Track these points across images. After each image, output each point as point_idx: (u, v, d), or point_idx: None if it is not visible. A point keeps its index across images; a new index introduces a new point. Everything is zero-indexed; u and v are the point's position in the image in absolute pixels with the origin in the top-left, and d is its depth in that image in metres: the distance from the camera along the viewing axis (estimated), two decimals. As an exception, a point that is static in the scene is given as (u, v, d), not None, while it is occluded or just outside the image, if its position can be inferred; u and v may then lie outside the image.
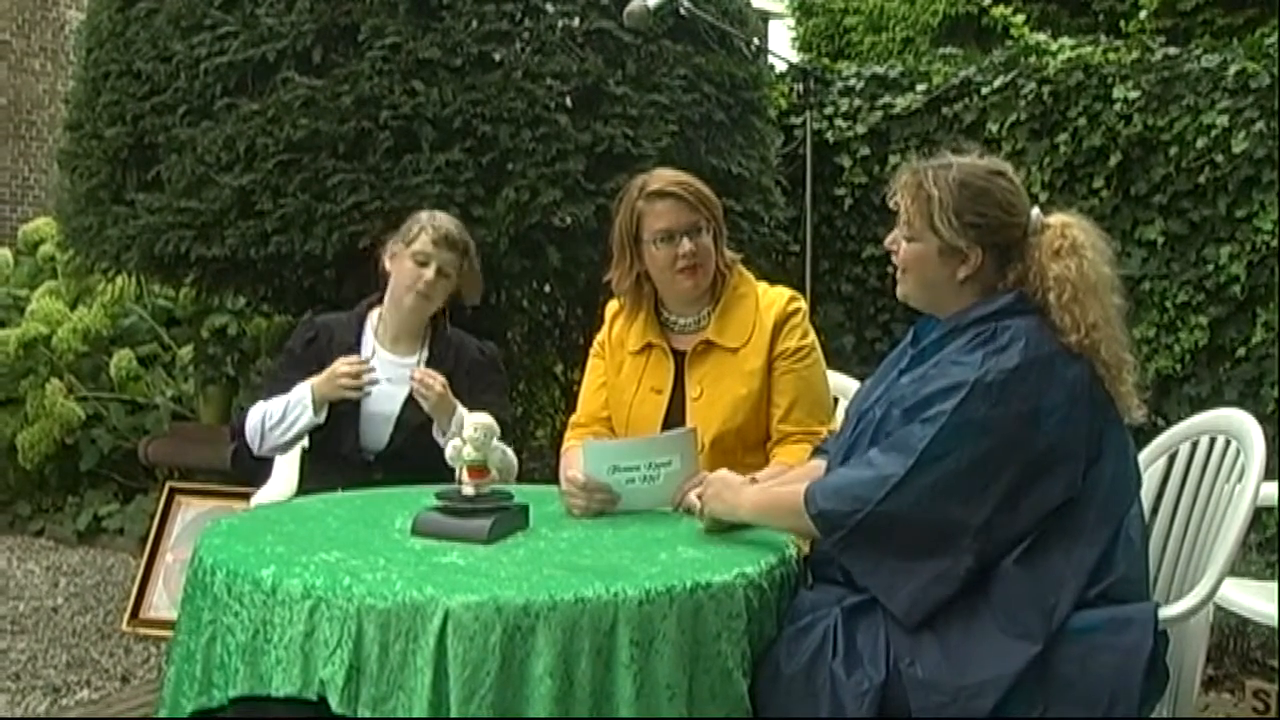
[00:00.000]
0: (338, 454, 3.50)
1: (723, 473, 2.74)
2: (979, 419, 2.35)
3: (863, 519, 2.38)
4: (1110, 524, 2.41)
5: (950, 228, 2.51)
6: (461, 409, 3.37)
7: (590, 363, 3.40)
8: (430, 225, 3.55)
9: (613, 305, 3.36)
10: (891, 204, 2.62)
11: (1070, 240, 2.47)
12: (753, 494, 2.65)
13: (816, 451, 2.93)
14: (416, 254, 3.52)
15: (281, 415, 3.48)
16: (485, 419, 2.67)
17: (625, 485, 2.86)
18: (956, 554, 2.34)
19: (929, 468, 2.35)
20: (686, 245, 3.10)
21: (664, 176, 3.19)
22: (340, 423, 3.51)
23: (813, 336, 3.21)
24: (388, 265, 3.60)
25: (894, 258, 2.63)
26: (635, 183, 3.21)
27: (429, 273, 3.52)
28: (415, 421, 3.50)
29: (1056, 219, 2.52)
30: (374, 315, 3.67)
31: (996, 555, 2.36)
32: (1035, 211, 2.55)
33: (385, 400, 3.52)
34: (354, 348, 3.58)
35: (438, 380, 3.41)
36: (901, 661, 2.33)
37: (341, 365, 3.43)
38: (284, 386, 3.54)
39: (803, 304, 3.23)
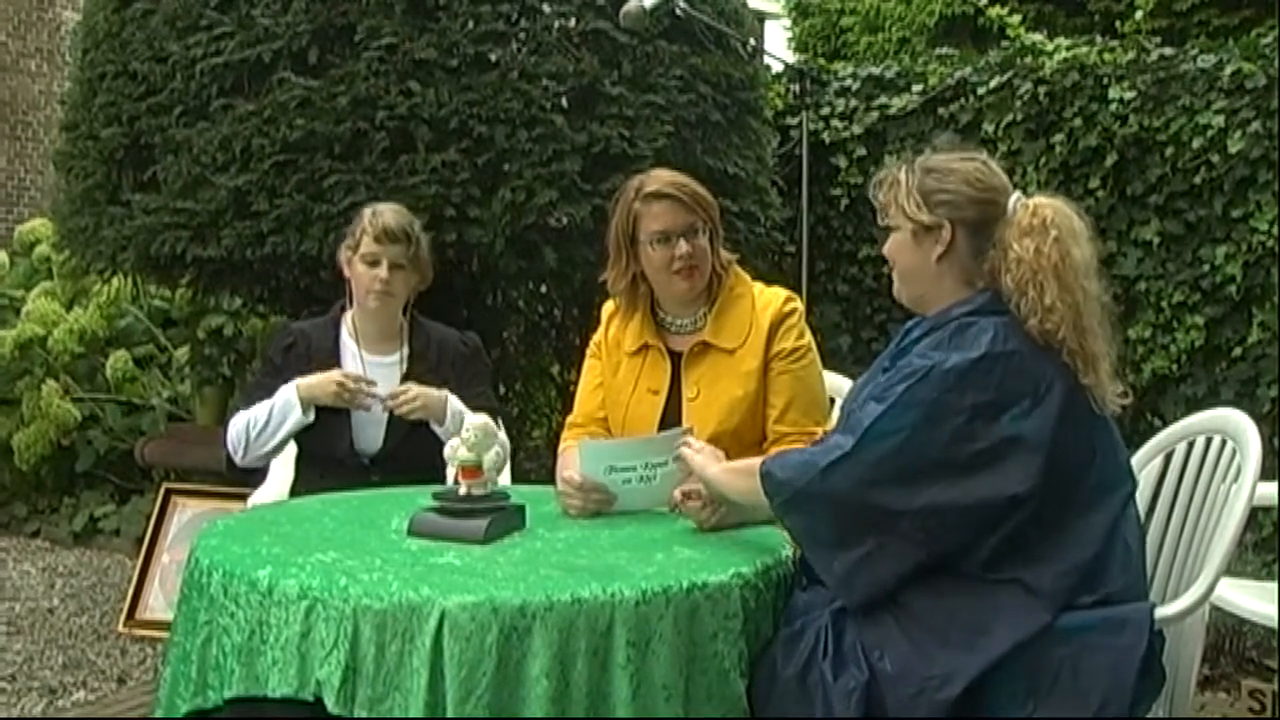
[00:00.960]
0: (332, 458, 3.49)
1: (718, 451, 2.79)
2: (930, 401, 2.35)
3: (804, 486, 2.40)
4: (1100, 526, 2.40)
5: (916, 205, 2.53)
6: (459, 404, 3.39)
7: (587, 363, 3.40)
8: (370, 224, 3.54)
9: (609, 306, 3.36)
10: (874, 203, 2.64)
11: (1039, 220, 2.45)
12: (723, 466, 2.71)
13: None
14: (364, 256, 3.52)
15: (266, 420, 3.48)
16: (482, 420, 2.67)
17: (622, 485, 2.87)
18: (894, 533, 2.34)
19: (873, 444, 2.36)
20: (683, 247, 3.10)
21: (660, 177, 3.19)
22: (333, 427, 3.50)
23: (809, 337, 3.21)
24: (346, 271, 3.60)
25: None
26: (631, 183, 3.20)
27: (382, 271, 3.51)
28: (406, 422, 3.50)
29: (1034, 200, 2.51)
30: (348, 318, 3.66)
31: (958, 548, 2.35)
32: (1016, 195, 2.53)
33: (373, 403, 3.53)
34: (333, 352, 3.58)
35: (408, 392, 3.43)
36: (871, 656, 2.34)
37: (339, 375, 3.44)
38: (267, 395, 3.54)
39: (799, 304, 3.23)
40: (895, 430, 2.35)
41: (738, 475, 2.62)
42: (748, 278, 3.27)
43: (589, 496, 2.85)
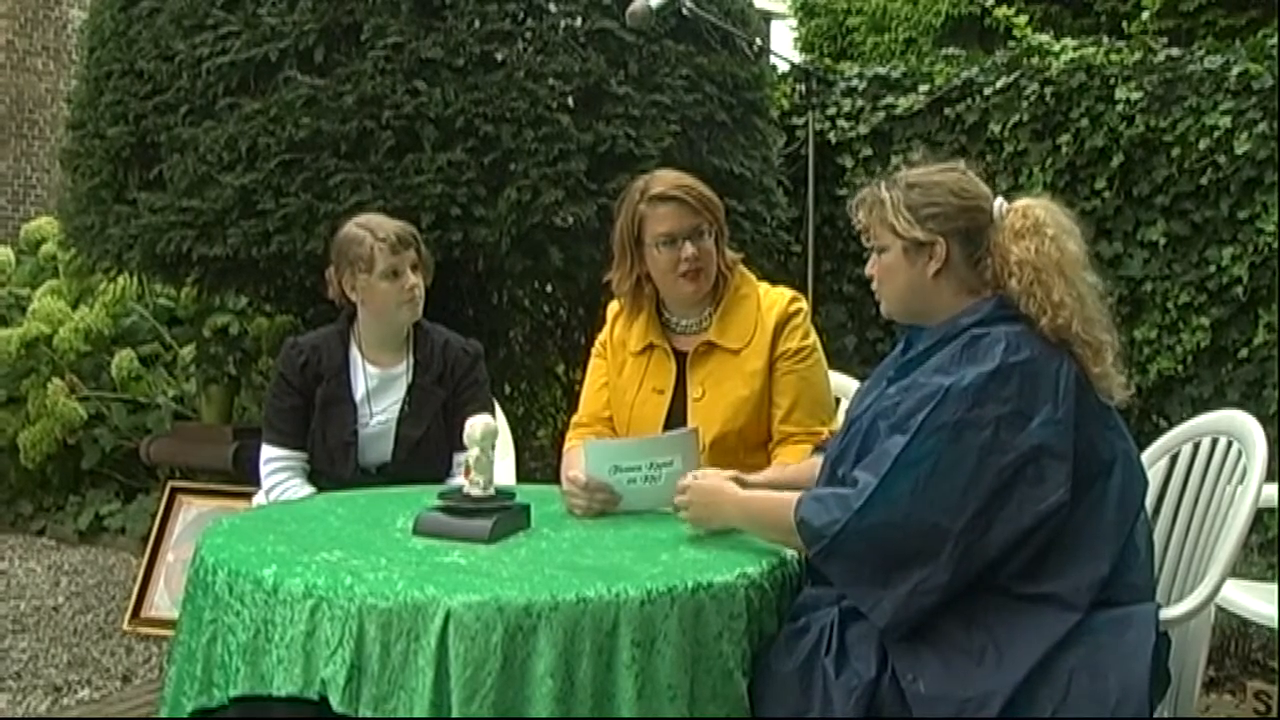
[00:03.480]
0: (339, 479, 3.47)
1: (704, 483, 2.67)
2: (953, 422, 2.32)
3: (840, 530, 2.34)
4: (1120, 537, 2.39)
5: (907, 222, 2.51)
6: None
7: (592, 363, 3.40)
8: (377, 241, 3.43)
9: (614, 305, 3.35)
10: (856, 226, 2.63)
11: (1031, 220, 2.45)
12: (742, 502, 2.60)
13: (816, 450, 2.92)
14: (385, 272, 3.43)
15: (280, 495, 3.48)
16: (486, 420, 2.66)
17: (627, 485, 2.86)
18: (938, 561, 2.30)
19: (904, 474, 2.32)
20: (689, 249, 3.10)
21: (666, 179, 3.18)
22: (337, 453, 3.50)
23: (814, 337, 3.21)
24: (351, 296, 3.51)
25: (873, 285, 2.63)
26: (636, 185, 3.20)
27: (408, 280, 3.46)
28: (414, 437, 3.49)
29: (1019, 202, 2.51)
30: (355, 330, 3.60)
31: (991, 564, 2.33)
32: (999, 200, 2.53)
33: (380, 416, 3.53)
34: (343, 367, 3.54)
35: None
36: (904, 678, 2.31)
37: None
38: (286, 418, 3.53)
39: (804, 304, 3.23)
40: (923, 458, 2.32)
41: (770, 523, 2.52)
42: (753, 278, 3.27)
43: (594, 496, 2.85)
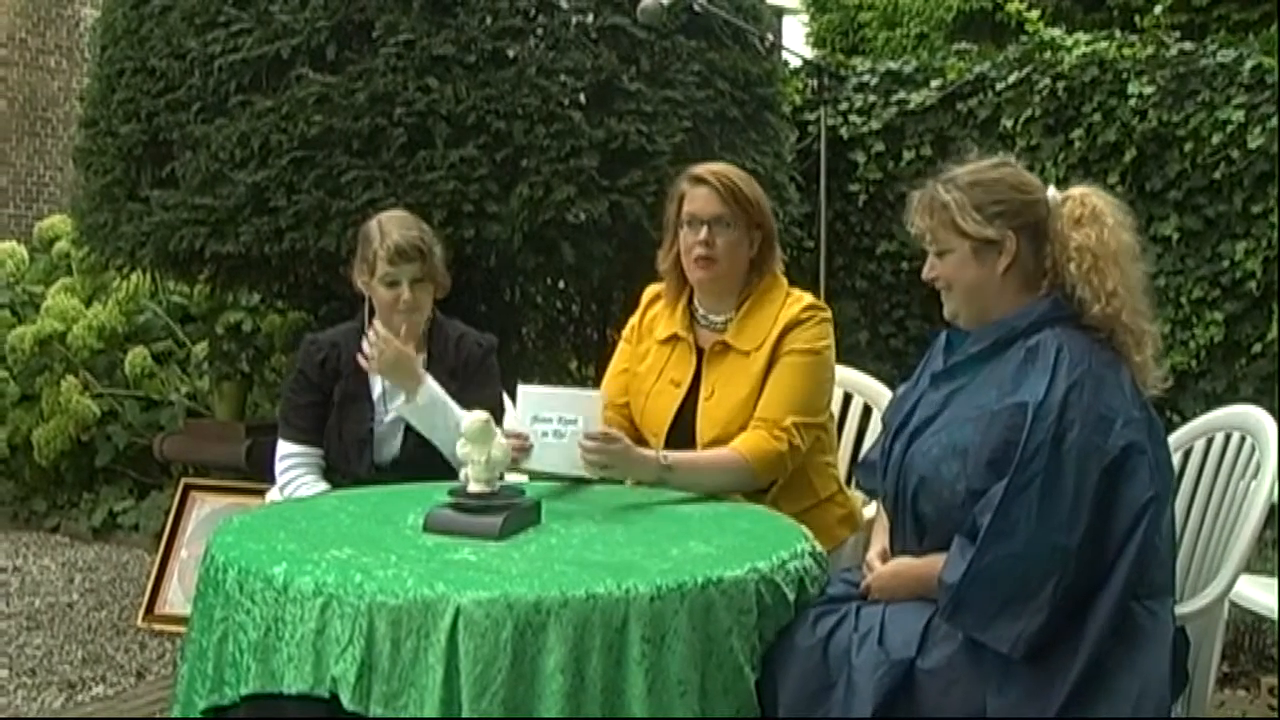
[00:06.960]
0: (354, 475, 3.47)
1: (887, 569, 2.57)
2: (1048, 440, 2.28)
3: (964, 575, 2.29)
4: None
5: (976, 223, 2.49)
6: (459, 413, 3.33)
7: (619, 346, 3.42)
8: (383, 247, 3.43)
9: (651, 289, 3.37)
10: (913, 232, 2.60)
11: (1090, 208, 2.46)
12: (921, 575, 2.48)
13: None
14: (383, 279, 3.43)
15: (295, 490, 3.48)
16: (482, 415, 2.65)
17: (540, 438, 2.91)
18: (1061, 579, 2.26)
19: (1016, 504, 2.28)
20: (703, 234, 3.12)
21: (711, 166, 3.25)
22: (352, 449, 3.50)
23: (822, 343, 3.15)
24: (362, 289, 3.52)
25: (937, 285, 2.59)
26: (693, 167, 3.27)
27: (404, 293, 3.43)
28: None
29: (1075, 190, 2.52)
30: (375, 326, 3.55)
31: (1107, 573, 2.29)
32: (1051, 189, 2.54)
33: (393, 412, 3.51)
34: None
35: (390, 343, 3.35)
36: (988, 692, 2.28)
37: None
38: (303, 414, 3.52)
39: (820, 313, 3.18)
40: (1029, 483, 2.28)
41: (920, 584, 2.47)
42: (785, 283, 3.25)
43: (510, 443, 2.78)
